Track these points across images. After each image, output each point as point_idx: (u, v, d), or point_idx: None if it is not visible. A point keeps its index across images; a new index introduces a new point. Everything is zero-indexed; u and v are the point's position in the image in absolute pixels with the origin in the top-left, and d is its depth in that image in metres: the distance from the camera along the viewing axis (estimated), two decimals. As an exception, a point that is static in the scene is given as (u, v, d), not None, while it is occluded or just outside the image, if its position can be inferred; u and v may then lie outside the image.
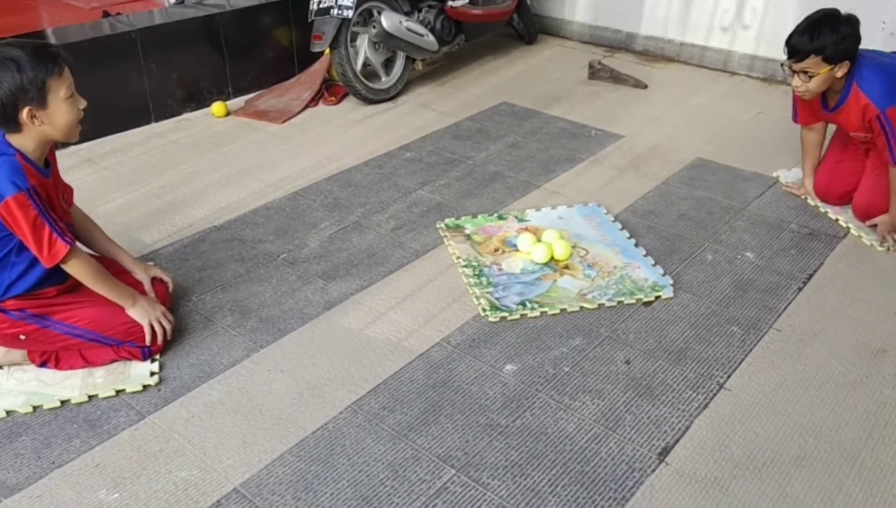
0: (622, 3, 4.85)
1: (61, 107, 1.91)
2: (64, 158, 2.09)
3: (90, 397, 2.03)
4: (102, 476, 1.81)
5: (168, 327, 2.17)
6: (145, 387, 2.07)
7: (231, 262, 2.65)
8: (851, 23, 2.53)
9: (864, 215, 2.82)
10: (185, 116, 3.86)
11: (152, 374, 2.11)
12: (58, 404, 2.01)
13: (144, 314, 2.11)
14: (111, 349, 2.11)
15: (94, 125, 3.45)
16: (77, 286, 2.08)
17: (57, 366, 2.10)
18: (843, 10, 2.58)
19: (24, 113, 1.87)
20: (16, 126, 1.90)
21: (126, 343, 2.10)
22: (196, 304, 2.42)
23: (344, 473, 1.82)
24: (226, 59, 3.99)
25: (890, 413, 2.00)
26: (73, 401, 2.02)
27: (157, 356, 2.17)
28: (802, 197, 3.06)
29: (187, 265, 2.62)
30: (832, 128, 2.95)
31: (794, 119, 2.97)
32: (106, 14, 4.26)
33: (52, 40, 3.56)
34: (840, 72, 2.56)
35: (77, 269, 2.00)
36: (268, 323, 2.34)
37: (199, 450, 1.88)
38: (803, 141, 3.03)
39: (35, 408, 2.00)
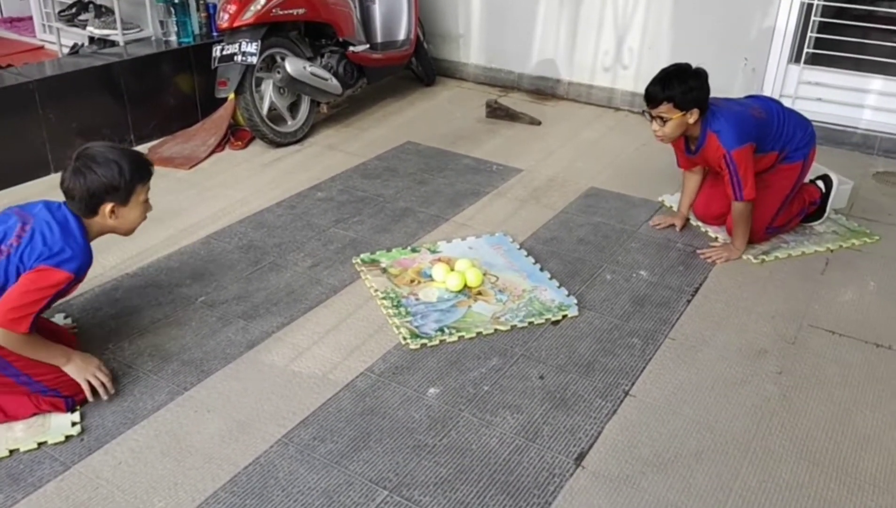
0: (513, 46, 5.16)
1: (136, 209, 2.16)
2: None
3: (11, 451, 1.98)
4: (28, 531, 1.78)
5: (105, 379, 2.15)
6: (67, 438, 2.04)
7: (148, 308, 2.64)
8: (699, 75, 2.86)
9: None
10: (87, 165, 3.79)
11: (73, 424, 2.08)
12: (-25, 462, 1.95)
13: (79, 372, 2.11)
14: (31, 402, 2.07)
15: (-11, 178, 3.36)
16: None
17: (-25, 420, 2.03)
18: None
19: (108, 207, 2.08)
20: (92, 214, 2.09)
21: (50, 392, 2.07)
22: (113, 352, 2.40)
23: (279, 504, 1.86)
24: (127, 108, 3.97)
25: (773, 406, 2.25)
26: (-9, 458, 1.97)
27: (78, 406, 2.14)
28: (671, 226, 3.29)
29: (101, 314, 2.59)
30: None
31: (678, 165, 3.27)
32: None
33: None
34: (692, 118, 2.87)
35: (14, 344, 1.97)
36: (190, 366, 2.35)
37: (129, 495, 1.88)
38: (684, 182, 3.31)
39: (-50, 468, 1.94)
